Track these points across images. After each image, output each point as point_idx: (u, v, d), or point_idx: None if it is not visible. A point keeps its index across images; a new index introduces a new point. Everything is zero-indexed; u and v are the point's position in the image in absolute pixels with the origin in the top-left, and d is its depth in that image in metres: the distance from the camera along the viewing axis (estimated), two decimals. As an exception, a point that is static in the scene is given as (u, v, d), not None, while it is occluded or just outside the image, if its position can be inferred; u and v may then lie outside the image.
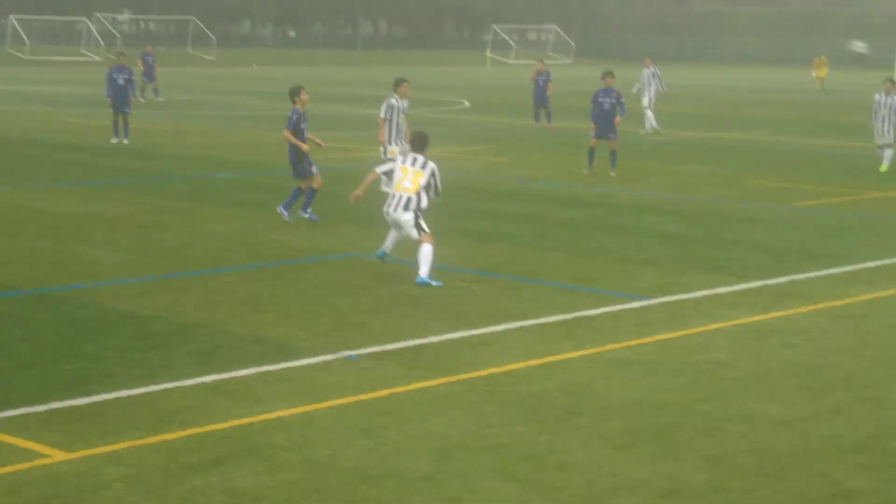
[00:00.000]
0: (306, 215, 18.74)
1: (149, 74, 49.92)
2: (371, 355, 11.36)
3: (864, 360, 11.56)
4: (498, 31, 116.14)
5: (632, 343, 11.96)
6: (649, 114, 36.85)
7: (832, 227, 19.50)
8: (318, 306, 13.34)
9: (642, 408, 9.94)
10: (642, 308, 13.57)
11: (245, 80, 70.79)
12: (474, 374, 10.82)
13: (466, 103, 51.64)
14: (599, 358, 11.46)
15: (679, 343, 12.07)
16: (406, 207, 14.73)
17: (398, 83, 22.31)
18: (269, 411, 9.62)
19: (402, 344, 11.78)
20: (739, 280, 15.12)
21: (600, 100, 26.00)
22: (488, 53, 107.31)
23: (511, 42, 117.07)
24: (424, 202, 14.83)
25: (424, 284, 14.34)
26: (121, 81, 31.49)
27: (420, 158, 14.96)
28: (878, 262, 16.44)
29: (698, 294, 14.32)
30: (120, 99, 31.42)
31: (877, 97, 26.82)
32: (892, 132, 26.52)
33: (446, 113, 45.80)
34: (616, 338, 12.15)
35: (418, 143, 15.21)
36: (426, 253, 14.46)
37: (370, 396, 10.08)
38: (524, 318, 12.93)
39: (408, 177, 14.88)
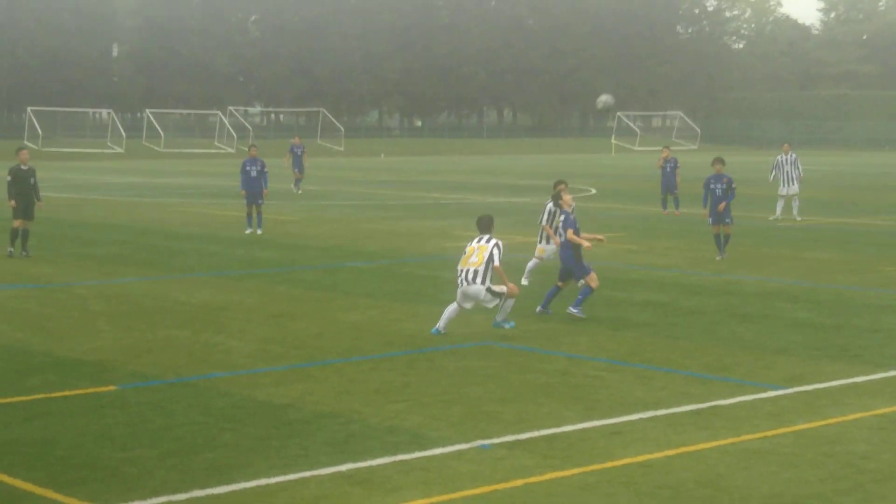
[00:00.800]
0: (576, 311, 18.44)
1: (298, 165, 50.02)
2: (504, 444, 11.39)
3: None
4: (622, 117, 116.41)
5: (768, 434, 11.82)
6: (793, 202, 36.68)
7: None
8: (451, 395, 13.42)
9: (781, 500, 9.80)
10: (777, 397, 13.41)
11: (373, 170, 71.84)
12: (609, 464, 10.78)
13: (593, 190, 51.71)
14: (735, 448, 11.34)
15: (817, 433, 11.89)
16: (474, 280, 16.76)
17: (557, 195, 20.52)
18: (404, 500, 9.70)
19: (536, 433, 11.80)
20: (877, 369, 14.86)
21: (712, 186, 26.02)
22: (613, 140, 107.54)
23: (636, 129, 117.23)
24: (489, 277, 16.81)
25: (498, 326, 17.05)
26: (253, 173, 32.22)
27: (486, 237, 17.09)
28: None
29: (835, 383, 14.11)
30: (253, 190, 32.13)
31: None
32: None
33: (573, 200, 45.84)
34: (752, 428, 12.02)
35: (484, 224, 17.31)
36: (510, 304, 16.99)
37: (505, 486, 10.10)
38: (657, 407, 12.86)
39: (475, 253, 16.95)
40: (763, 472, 10.60)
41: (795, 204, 36.91)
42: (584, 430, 11.98)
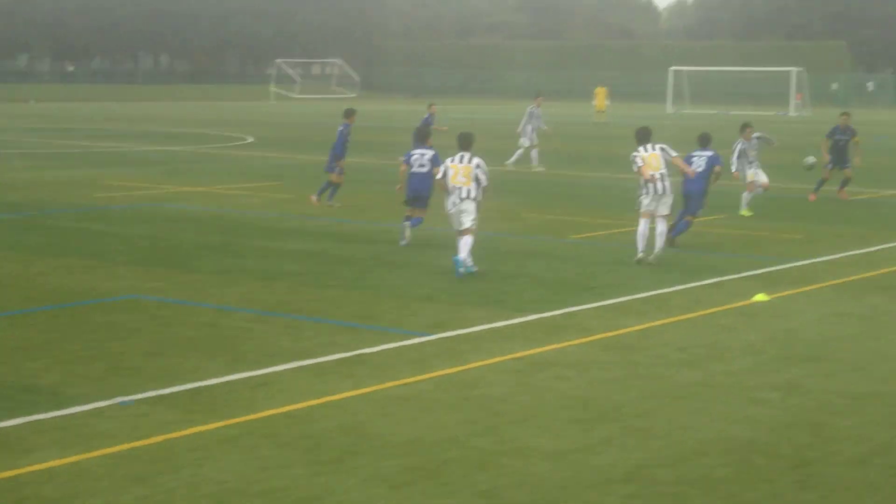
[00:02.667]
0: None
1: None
2: (147, 400, 11.18)
3: (633, 391, 11.92)
4: (282, 65, 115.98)
5: (410, 380, 12.07)
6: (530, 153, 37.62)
7: (607, 259, 20.03)
8: (94, 351, 13.06)
9: (419, 445, 10.04)
10: (421, 344, 13.71)
11: (21, 117, 68.83)
12: (252, 416, 10.75)
13: (250, 139, 51.34)
14: (378, 396, 11.53)
15: (457, 378, 12.23)
16: (468, 197, 18.11)
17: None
18: (39, 461, 9.38)
19: (179, 388, 11.63)
20: (516, 314, 15.41)
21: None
22: (272, 88, 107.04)
23: (295, 77, 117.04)
24: (479, 193, 18.23)
25: (467, 271, 17.88)
26: None
27: (467, 155, 18.28)
28: (650, 293, 16.97)
29: (477, 329, 14.53)
30: None
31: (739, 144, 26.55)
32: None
33: (228, 149, 45.47)
34: (395, 375, 12.25)
35: (465, 141, 18.59)
36: (470, 242, 18.03)
37: (145, 443, 9.91)
38: (304, 357, 12.91)
39: (459, 172, 18.19)
40: (403, 417, 10.82)
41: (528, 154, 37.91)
42: (229, 382, 11.89)
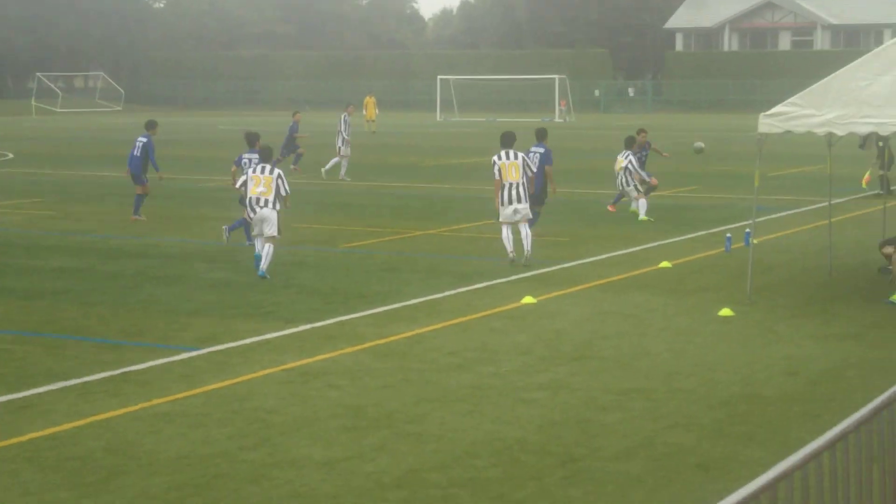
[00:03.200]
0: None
1: None
2: None
3: (405, 396, 11.97)
4: (42, 78, 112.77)
5: (179, 396, 11.85)
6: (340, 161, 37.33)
7: (378, 267, 20.09)
8: None
9: (189, 461, 9.85)
10: (190, 359, 13.48)
11: None
12: (14, 440, 10.38)
13: (10, 155, 49.68)
14: (146, 413, 11.27)
15: (227, 392, 12.06)
16: (265, 206, 18.84)
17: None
18: None
19: (-65, 414, 11.14)
20: (288, 325, 15.30)
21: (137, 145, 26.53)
22: (33, 102, 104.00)
23: (57, 90, 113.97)
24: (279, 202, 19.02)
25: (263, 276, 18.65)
26: None
27: (268, 167, 19.22)
28: (420, 299, 17.09)
29: (248, 341, 14.37)
30: None
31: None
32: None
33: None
34: (163, 391, 12.00)
35: (508, 140, 20.45)
36: (271, 250, 18.84)
37: None
38: (68, 377, 12.54)
39: (262, 182, 18.91)
40: (172, 434, 10.61)
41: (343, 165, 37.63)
42: (-12, 406, 11.46)
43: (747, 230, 17.83)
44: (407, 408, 11.56)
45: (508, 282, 18.54)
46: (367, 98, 73.31)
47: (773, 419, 11.10)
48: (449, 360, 13.47)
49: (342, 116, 38.02)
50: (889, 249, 17.45)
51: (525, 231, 20.13)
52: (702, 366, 13.18)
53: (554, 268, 19.86)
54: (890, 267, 17.59)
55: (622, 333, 14.89)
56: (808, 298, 17.06)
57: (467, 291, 17.79)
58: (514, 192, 20.07)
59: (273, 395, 11.96)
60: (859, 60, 16.63)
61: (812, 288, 17.90)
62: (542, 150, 22.65)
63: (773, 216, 26.49)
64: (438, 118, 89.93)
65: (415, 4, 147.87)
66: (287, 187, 19.08)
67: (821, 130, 16.46)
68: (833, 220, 20.62)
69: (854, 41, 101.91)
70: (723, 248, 21.46)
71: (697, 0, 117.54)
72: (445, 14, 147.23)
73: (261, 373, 12.84)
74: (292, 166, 38.00)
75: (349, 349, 13.99)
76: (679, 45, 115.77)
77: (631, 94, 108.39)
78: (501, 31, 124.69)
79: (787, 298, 17.06)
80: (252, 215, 19.02)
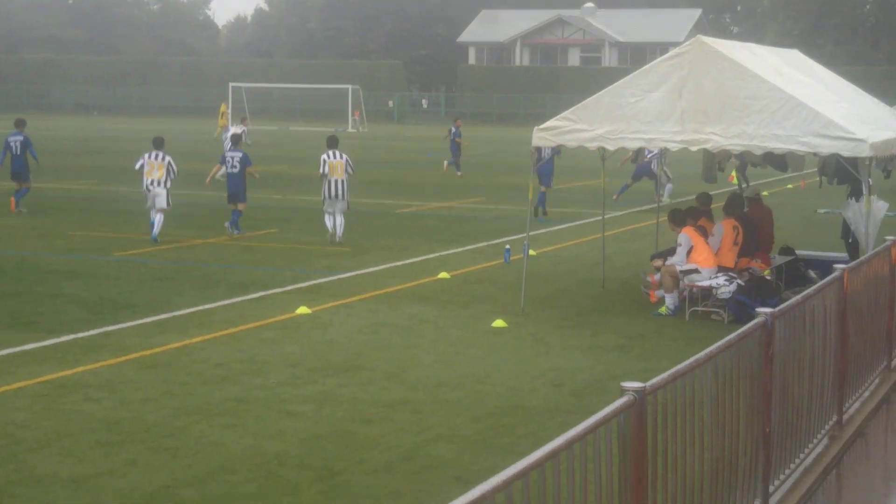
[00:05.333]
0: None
1: None
2: None
3: (166, 410, 11.65)
4: None
5: (-77, 410, 11.30)
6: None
7: (151, 276, 19.62)
8: None
9: (-74, 480, 9.37)
10: (-59, 371, 12.88)
11: None
12: None
13: None
14: None
15: (-23, 406, 11.55)
16: (159, 185, 23.69)
17: None
18: None
19: None
20: (50, 335, 14.78)
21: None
22: None
23: None
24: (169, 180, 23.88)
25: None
26: None
27: (161, 153, 23.83)
28: (192, 309, 16.73)
29: (4, 353, 13.82)
30: None
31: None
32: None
33: None
34: None
35: (332, 142, 24.10)
36: (162, 219, 23.65)
37: None
38: None
39: (155, 167, 23.80)
40: (-88, 452, 10.09)
41: None
42: None
43: (526, 242, 17.99)
44: (166, 421, 11.25)
45: (284, 292, 18.32)
46: (224, 106, 72.58)
47: (535, 431, 11.16)
48: (215, 372, 13.19)
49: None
50: (659, 262, 17.85)
51: (340, 220, 23.76)
52: (470, 377, 13.21)
53: (331, 278, 19.72)
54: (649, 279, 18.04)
55: (394, 345, 14.83)
56: (580, 310, 17.32)
57: (241, 301, 17.51)
58: (336, 187, 23.53)
59: (25, 408, 11.50)
60: (629, 77, 16.97)
61: (584, 300, 18.17)
62: (239, 153, 25.18)
63: (553, 228, 26.90)
64: (231, 126, 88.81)
65: (208, 11, 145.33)
66: (175, 169, 24.02)
67: (592, 145, 16.74)
68: (608, 233, 21.02)
69: (640, 59, 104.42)
70: (502, 260, 21.66)
71: (490, 15, 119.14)
72: (239, 21, 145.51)
73: (14, 385, 12.34)
74: None
75: (112, 361, 13.58)
76: (472, 59, 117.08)
77: (425, 105, 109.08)
78: (295, 41, 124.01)
79: (560, 310, 17.28)
80: (148, 192, 23.80)
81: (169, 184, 23.81)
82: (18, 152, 28.23)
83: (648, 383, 6.16)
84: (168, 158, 23.89)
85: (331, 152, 23.75)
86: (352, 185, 24.87)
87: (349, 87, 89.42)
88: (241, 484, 9.55)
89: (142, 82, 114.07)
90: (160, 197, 23.68)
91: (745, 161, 21.50)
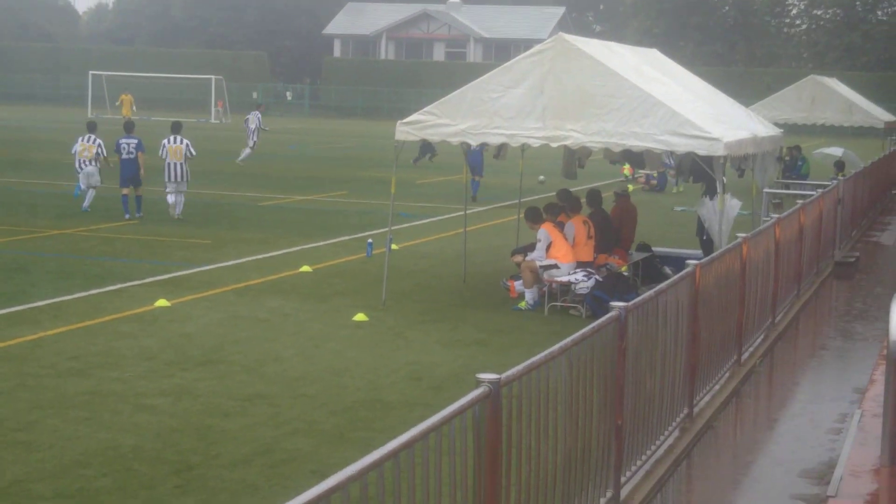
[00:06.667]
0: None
1: None
2: None
3: (19, 403, 11.45)
4: None
5: None
6: None
7: (6, 267, 19.20)
8: None
9: None
10: None
11: None
12: None
13: None
14: None
15: None
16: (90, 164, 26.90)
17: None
18: None
19: None
20: None
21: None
22: None
23: None
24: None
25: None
26: None
27: (93, 136, 26.93)
28: (46, 301, 16.44)
29: None
30: None
31: None
32: None
33: None
34: None
35: (176, 127, 26.52)
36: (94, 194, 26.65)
37: None
38: None
39: (86, 149, 26.93)
40: None
41: None
42: None
43: (389, 236, 18.02)
44: (18, 415, 11.05)
45: (143, 284, 18.09)
46: (123, 96, 71.18)
47: (393, 424, 11.18)
48: (70, 365, 12.98)
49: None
50: (519, 258, 18.03)
51: (180, 198, 26.19)
52: (329, 371, 13.21)
53: (192, 270, 19.53)
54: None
55: (253, 338, 14.75)
56: (440, 304, 17.42)
57: (98, 294, 17.25)
58: (174, 170, 25.82)
59: None
60: (492, 73, 17.12)
61: (445, 294, 18.28)
62: (135, 140, 26.51)
63: (417, 223, 26.99)
64: (90, 115, 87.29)
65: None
66: (104, 151, 26.96)
67: (455, 140, 16.84)
68: (471, 228, 21.17)
69: (504, 55, 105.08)
70: (365, 254, 21.68)
71: (356, 7, 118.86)
72: (101, 8, 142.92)
73: None
74: None
75: (-37, 353, 13.28)
76: (337, 52, 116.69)
77: (289, 97, 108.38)
78: (158, 29, 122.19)
79: (420, 304, 17.36)
80: (80, 171, 26.90)
81: (98, 164, 27.00)
82: None
83: (503, 375, 6.24)
84: (98, 141, 27.04)
85: (172, 137, 26.18)
86: (193, 168, 27.39)
87: (212, 77, 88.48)
88: (95, 478, 9.43)
89: (1, 68, 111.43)
90: (93, 175, 26.87)
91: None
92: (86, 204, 26.88)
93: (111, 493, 9.13)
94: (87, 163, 26.92)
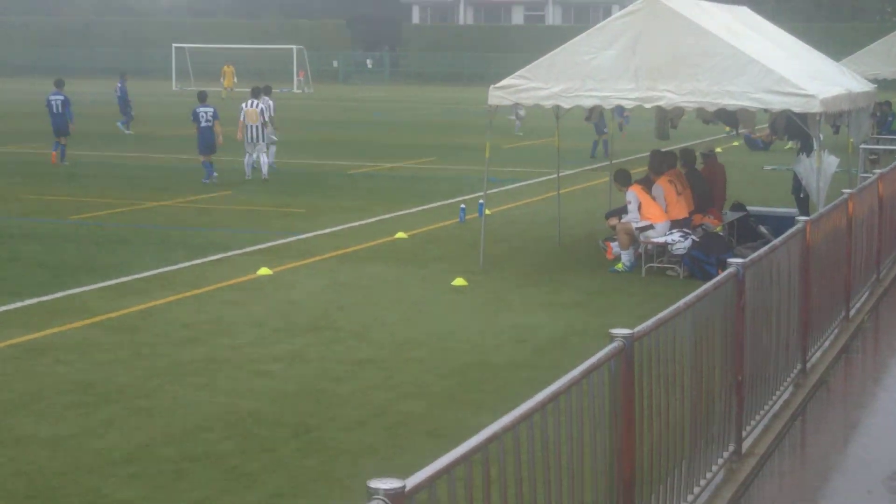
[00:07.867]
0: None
1: None
2: None
3: (136, 371, 11.74)
4: None
5: None
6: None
7: (109, 239, 19.60)
8: None
9: None
10: None
11: None
12: None
13: None
14: None
15: (-53, 370, 11.59)
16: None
17: None
18: None
19: None
20: (14, 299, 14.79)
21: None
22: None
23: None
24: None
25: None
26: None
27: (254, 101, 28.08)
28: (153, 272, 16.76)
29: (-31, 317, 13.84)
30: None
31: None
32: None
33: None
34: None
35: (255, 92, 28.43)
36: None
37: None
38: None
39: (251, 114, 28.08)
40: None
41: None
42: None
43: (481, 201, 18.12)
44: (138, 382, 11.34)
45: (244, 253, 18.37)
46: (225, 67, 72.18)
47: (501, 386, 11.34)
48: (182, 334, 13.27)
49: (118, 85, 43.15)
50: (614, 220, 18.06)
51: (264, 158, 27.65)
52: (434, 335, 13.37)
53: (290, 239, 19.79)
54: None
55: (357, 304, 14.95)
56: (538, 268, 17.51)
57: (202, 263, 17.56)
58: (251, 132, 27.67)
59: (-2, 372, 11.56)
60: (583, 35, 17.12)
61: (541, 257, 18.37)
62: (210, 108, 27.65)
63: (507, 188, 27.06)
64: (174, 87, 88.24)
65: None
66: (272, 111, 28.26)
67: (548, 103, 16.89)
68: (562, 191, 21.21)
69: (584, 17, 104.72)
70: (457, 219, 21.81)
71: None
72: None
73: (-15, 349, 12.38)
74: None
75: (78, 323, 13.62)
76: (416, 18, 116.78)
77: (369, 65, 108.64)
78: (237, 0, 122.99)
79: (518, 268, 17.46)
80: (250, 141, 27.74)
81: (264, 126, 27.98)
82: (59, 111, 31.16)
83: (635, 329, 6.35)
84: (261, 105, 27.91)
85: (250, 101, 27.94)
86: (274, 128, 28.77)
87: (293, 47, 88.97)
88: (218, 441, 9.67)
89: (82, 43, 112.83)
90: (269, 136, 28.25)
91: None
92: (271, 160, 28.07)
93: (235, 456, 9.37)
94: (255, 128, 27.59)
